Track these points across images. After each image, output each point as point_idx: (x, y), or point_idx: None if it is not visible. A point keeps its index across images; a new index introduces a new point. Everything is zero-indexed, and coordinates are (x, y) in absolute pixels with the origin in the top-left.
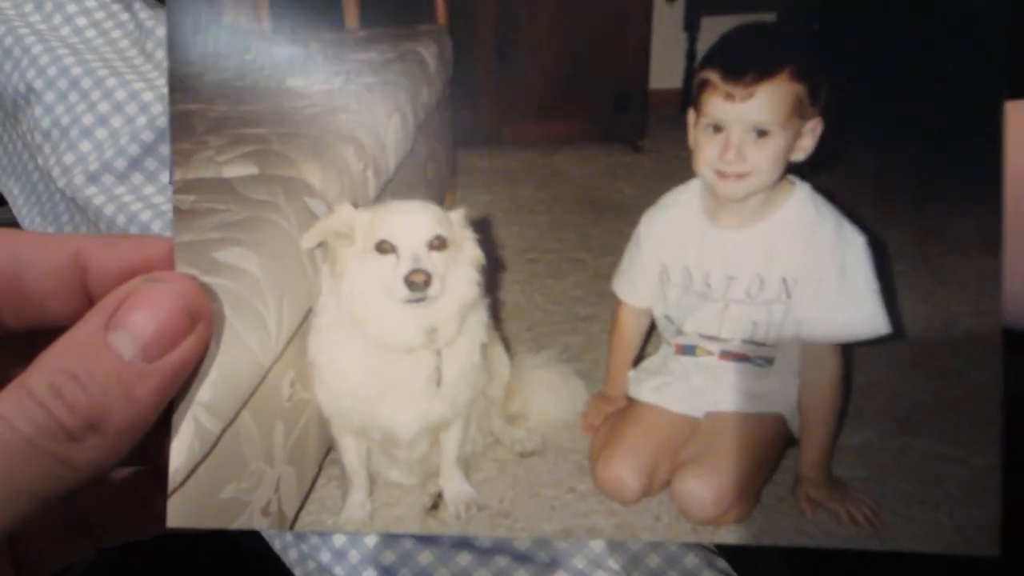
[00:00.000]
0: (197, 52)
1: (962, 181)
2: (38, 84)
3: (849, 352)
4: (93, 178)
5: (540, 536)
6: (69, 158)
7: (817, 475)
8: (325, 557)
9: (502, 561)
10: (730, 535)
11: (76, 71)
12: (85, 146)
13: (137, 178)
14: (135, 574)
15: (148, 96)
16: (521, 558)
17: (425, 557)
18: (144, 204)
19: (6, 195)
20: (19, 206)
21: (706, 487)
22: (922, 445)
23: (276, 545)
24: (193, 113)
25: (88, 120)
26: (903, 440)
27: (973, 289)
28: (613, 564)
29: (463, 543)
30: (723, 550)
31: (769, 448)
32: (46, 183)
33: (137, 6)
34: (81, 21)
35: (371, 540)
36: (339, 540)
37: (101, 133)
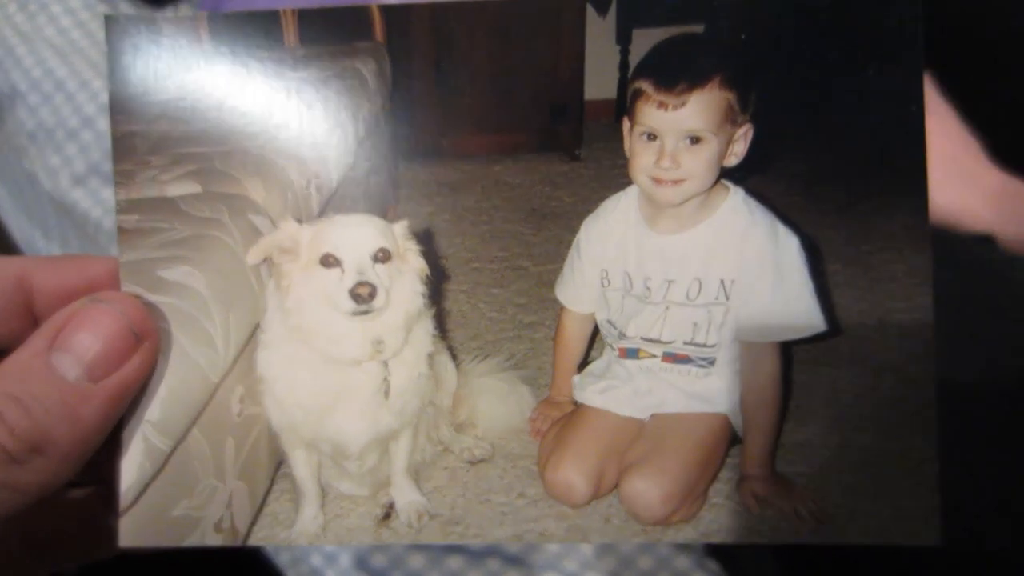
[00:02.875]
0: (137, 73)
1: (888, 180)
2: (23, 86)
3: (788, 350)
4: (79, 181)
5: (492, 542)
6: (55, 160)
7: (762, 472)
8: (316, 561)
9: (493, 564)
10: (679, 535)
11: (61, 72)
12: (71, 148)
13: None
14: None
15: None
16: (512, 560)
17: (416, 560)
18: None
19: None
20: (5, 209)
21: (653, 488)
22: (862, 439)
23: (268, 548)
24: (135, 133)
25: (74, 122)
26: (844, 435)
27: (904, 284)
28: (604, 566)
29: (456, 546)
30: (714, 551)
31: (714, 447)
32: (32, 185)
33: (123, 6)
34: (66, 21)
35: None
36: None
37: (87, 135)
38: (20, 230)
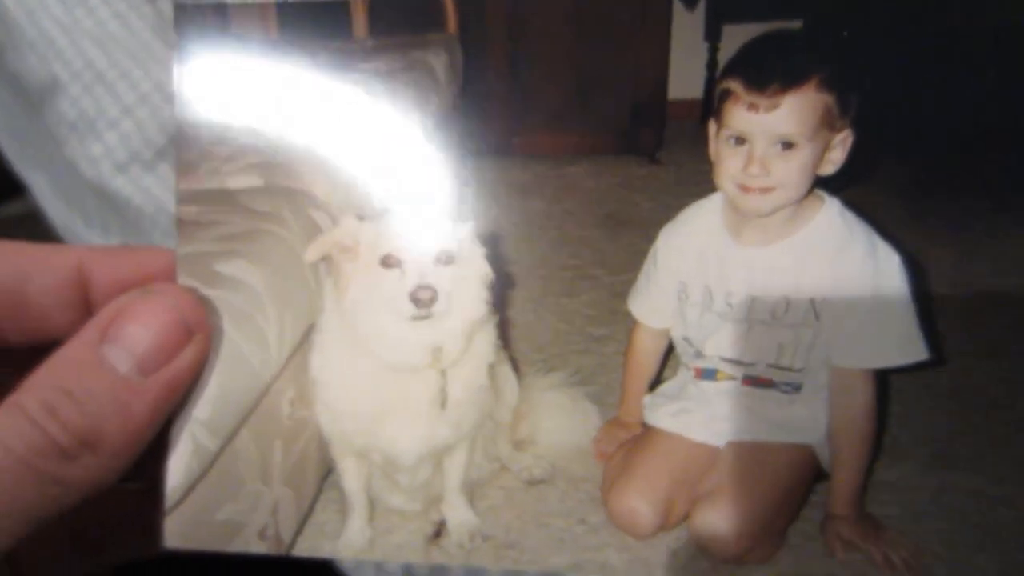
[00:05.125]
0: (205, 62)
1: (1005, 196)
2: (63, 76)
3: (883, 379)
4: (121, 169)
5: (548, 570)
6: (96, 149)
7: (849, 512)
8: None
9: None
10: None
11: (101, 63)
12: (112, 137)
13: (164, 168)
14: None
15: (173, 87)
16: None
17: None
18: (172, 194)
19: (31, 186)
20: (45, 196)
21: (727, 523)
22: (964, 481)
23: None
24: (199, 124)
25: (114, 111)
26: (942, 476)
27: (1021, 312)
28: None
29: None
30: None
31: (796, 482)
32: (73, 174)
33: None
34: (103, 13)
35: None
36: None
37: (127, 124)
38: (60, 217)
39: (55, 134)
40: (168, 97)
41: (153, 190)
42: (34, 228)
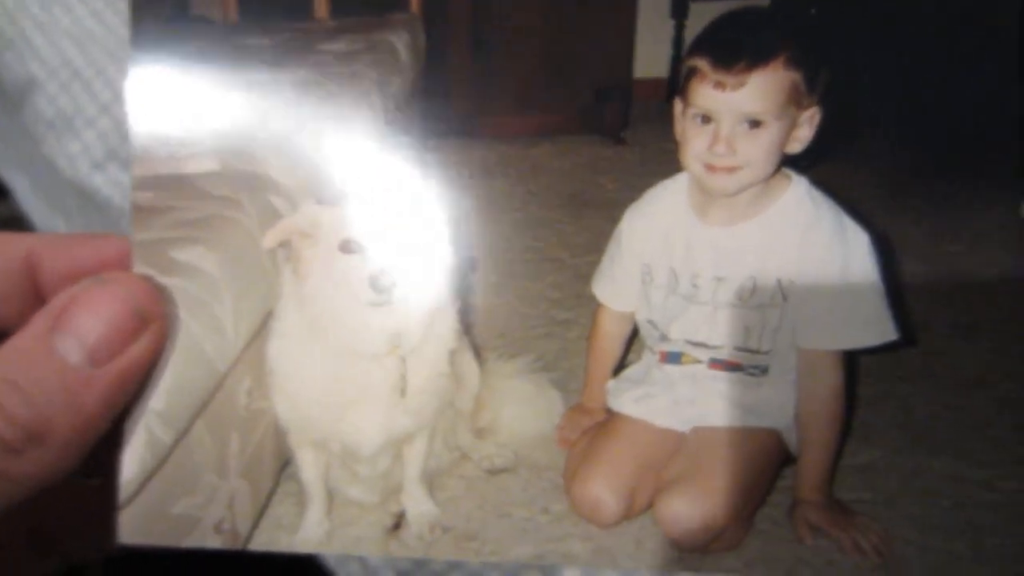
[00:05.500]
0: (162, 44)
1: (979, 173)
2: (40, 74)
3: (852, 360)
4: (99, 166)
5: (509, 561)
6: (74, 147)
7: (818, 497)
8: None
9: None
10: (720, 564)
11: (78, 61)
12: (89, 135)
13: None
14: None
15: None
16: None
17: None
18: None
19: (12, 187)
20: (26, 197)
21: (693, 510)
22: (939, 465)
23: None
24: (153, 106)
25: (92, 109)
26: (916, 459)
27: (998, 291)
28: None
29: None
30: None
31: (763, 466)
32: (52, 173)
33: None
34: (80, 11)
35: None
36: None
37: (105, 122)
38: (41, 217)
39: (33, 133)
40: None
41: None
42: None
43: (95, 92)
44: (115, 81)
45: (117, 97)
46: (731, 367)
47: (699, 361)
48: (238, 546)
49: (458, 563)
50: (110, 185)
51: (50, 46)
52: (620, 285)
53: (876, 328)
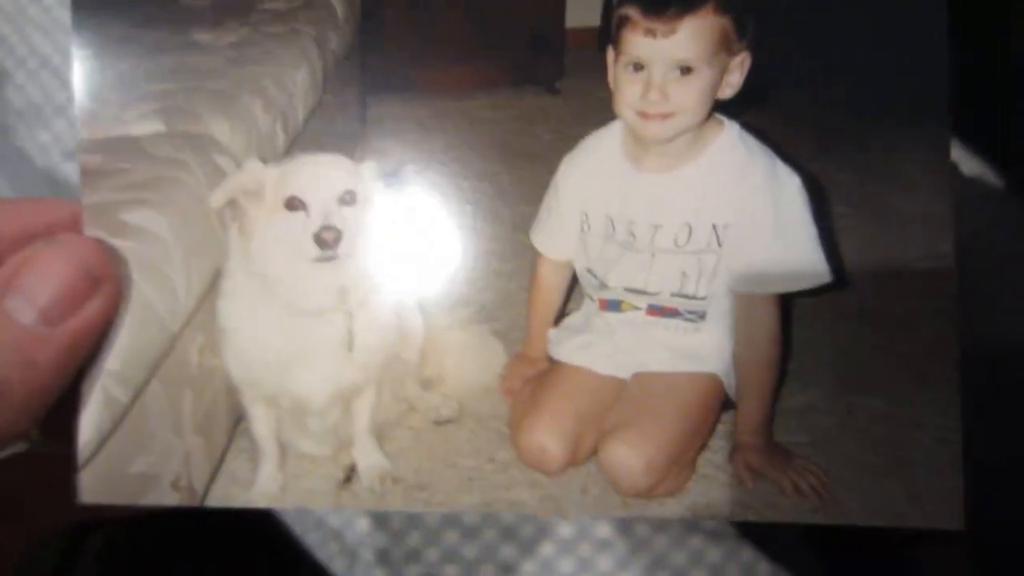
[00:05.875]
0: (101, 3)
1: (905, 113)
2: (8, 64)
3: (787, 304)
4: (70, 155)
5: (457, 510)
6: (44, 137)
7: (757, 441)
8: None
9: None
10: (664, 509)
11: (46, 49)
12: (60, 124)
13: None
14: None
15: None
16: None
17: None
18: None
19: None
20: (2, 191)
21: (636, 455)
22: (872, 406)
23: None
24: (97, 69)
25: (61, 98)
26: (850, 400)
27: (922, 230)
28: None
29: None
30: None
31: (704, 411)
32: (23, 163)
33: None
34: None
35: (363, 523)
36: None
37: (75, 110)
38: None
39: (3, 123)
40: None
41: None
42: None
43: (65, 80)
44: None
45: None
46: (669, 313)
47: (637, 308)
48: (195, 502)
49: (430, 515)
50: None
51: (17, 34)
52: (557, 234)
53: (810, 271)
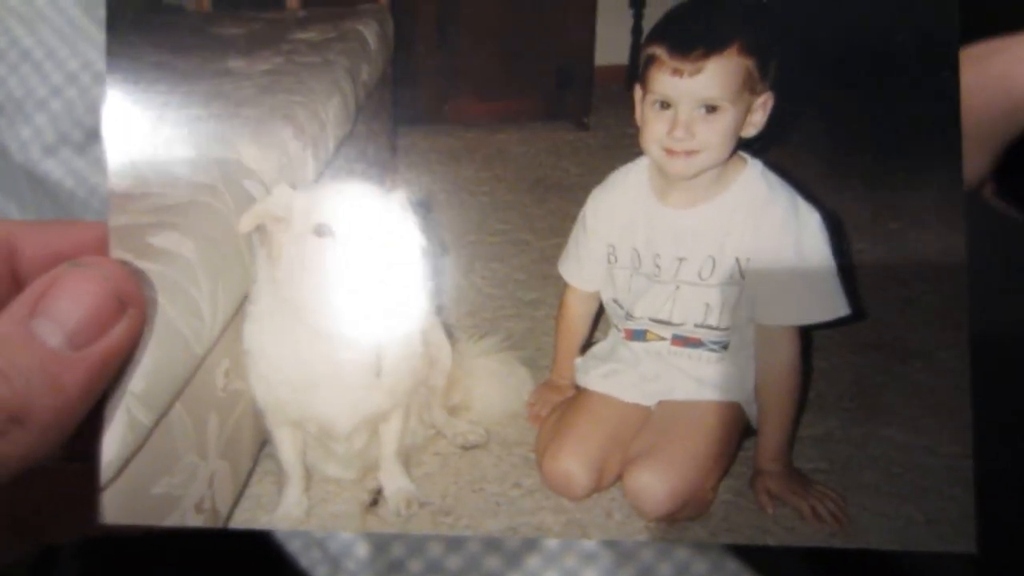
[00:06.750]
0: (137, 32)
1: (918, 151)
2: None
3: (807, 335)
4: (50, 151)
5: (484, 534)
6: (25, 132)
7: (777, 467)
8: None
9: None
10: (687, 533)
11: (27, 42)
12: (40, 119)
13: (96, 150)
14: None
15: (102, 65)
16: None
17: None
18: (105, 176)
19: None
20: None
21: (659, 481)
22: (887, 433)
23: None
24: (129, 94)
25: (42, 92)
26: (867, 428)
27: (936, 265)
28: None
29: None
30: (735, 549)
31: (726, 439)
32: (4, 158)
33: None
34: None
35: (348, 535)
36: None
37: (56, 105)
38: None
39: None
40: (99, 77)
41: (84, 173)
42: None
43: (45, 74)
44: (66, 63)
45: (69, 79)
46: (693, 343)
47: (662, 338)
48: (219, 524)
49: (457, 537)
50: (62, 170)
51: None
52: (585, 266)
53: (829, 304)
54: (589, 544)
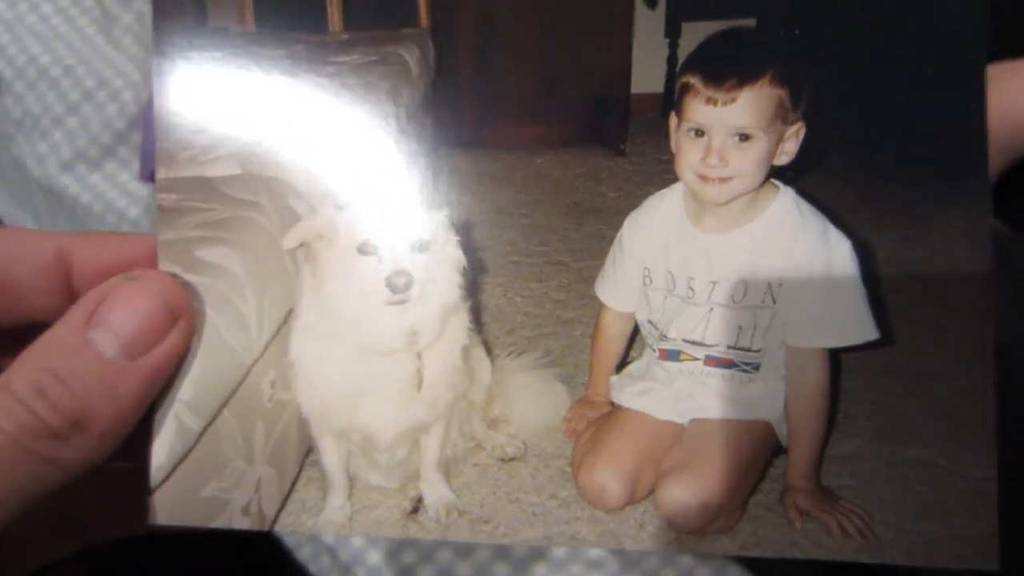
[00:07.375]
0: (182, 53)
1: (947, 181)
2: (7, 74)
3: (836, 357)
4: (67, 167)
5: (521, 542)
6: (42, 147)
7: (806, 484)
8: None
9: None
10: (716, 545)
11: (44, 60)
12: (57, 135)
13: (111, 166)
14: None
15: (118, 83)
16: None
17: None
18: (120, 191)
19: None
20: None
21: (691, 495)
22: (912, 453)
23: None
24: (177, 113)
25: (59, 109)
26: (892, 448)
27: (961, 292)
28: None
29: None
30: (739, 559)
31: (756, 455)
32: (21, 173)
33: None
34: (46, 8)
35: (357, 540)
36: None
37: (72, 122)
38: (11, 217)
39: (1, 133)
40: (114, 95)
41: (99, 188)
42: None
43: (62, 91)
44: (83, 80)
45: (85, 96)
46: (725, 364)
47: (696, 359)
48: (265, 527)
49: (468, 545)
50: (78, 185)
51: (15, 44)
52: (621, 287)
53: (858, 328)
54: (595, 551)
